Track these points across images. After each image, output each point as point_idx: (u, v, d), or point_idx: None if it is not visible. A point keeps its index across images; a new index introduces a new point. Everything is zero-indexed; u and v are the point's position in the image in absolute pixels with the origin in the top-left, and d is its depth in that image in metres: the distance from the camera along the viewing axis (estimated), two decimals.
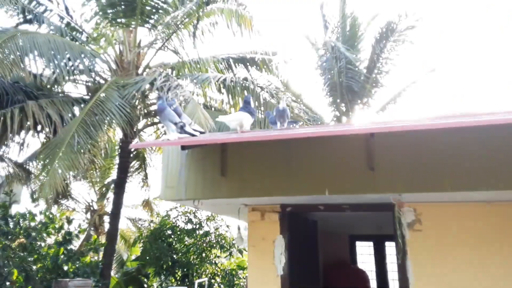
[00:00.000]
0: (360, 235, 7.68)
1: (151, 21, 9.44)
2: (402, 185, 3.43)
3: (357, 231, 7.43)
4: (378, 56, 10.75)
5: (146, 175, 11.82)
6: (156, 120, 10.34)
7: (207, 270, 9.99)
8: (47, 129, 7.47)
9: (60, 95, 8.96)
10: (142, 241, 11.11)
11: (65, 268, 8.11)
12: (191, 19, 9.07)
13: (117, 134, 10.62)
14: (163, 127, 10.56)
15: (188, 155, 3.76)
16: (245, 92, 9.00)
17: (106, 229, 12.64)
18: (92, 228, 12.29)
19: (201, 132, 3.68)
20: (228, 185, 3.72)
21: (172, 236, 10.25)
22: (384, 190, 3.45)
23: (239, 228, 4.94)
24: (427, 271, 3.85)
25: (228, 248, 10.05)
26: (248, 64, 10.52)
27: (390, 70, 11.03)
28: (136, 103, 9.02)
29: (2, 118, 7.11)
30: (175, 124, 3.12)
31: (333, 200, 3.92)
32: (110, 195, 13.06)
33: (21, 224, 8.15)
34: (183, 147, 3.53)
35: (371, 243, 7.93)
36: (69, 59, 8.05)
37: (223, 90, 9.34)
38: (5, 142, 7.90)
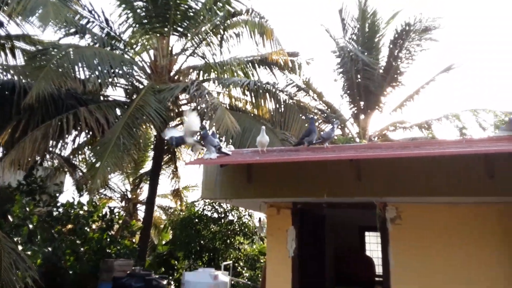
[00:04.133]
0: (369, 226, 9.11)
1: (181, 29, 10.99)
2: (381, 190, 4.90)
3: (365, 223, 8.85)
4: (396, 56, 11.97)
5: (176, 168, 13.60)
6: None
7: (231, 255, 11.72)
8: (96, 131, 9.16)
9: (104, 99, 10.69)
10: (172, 227, 12.95)
11: (108, 250, 9.87)
12: (218, 29, 10.57)
13: (151, 129, 12.33)
14: None
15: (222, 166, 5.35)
16: (267, 94, 10.49)
17: (139, 216, 14.62)
18: (127, 215, 14.21)
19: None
20: (252, 189, 5.29)
21: (200, 224, 12.01)
22: (368, 195, 4.93)
23: (260, 220, 6.50)
24: (405, 256, 5.32)
25: (251, 235, 11.71)
26: (271, 65, 11.96)
27: (407, 69, 12.27)
28: (170, 105, 10.64)
29: (59, 123, 8.86)
30: (215, 146, 4.69)
31: (333, 200, 5.43)
32: (143, 185, 15.02)
33: (70, 212, 9.97)
34: (221, 165, 5.12)
35: (378, 233, 9.37)
36: (111, 67, 9.59)
37: (247, 92, 10.83)
38: (60, 141, 9.68)
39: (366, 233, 9.48)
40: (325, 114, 12.47)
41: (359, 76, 12.14)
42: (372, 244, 9.31)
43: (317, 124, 12.19)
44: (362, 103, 12.58)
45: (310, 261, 6.09)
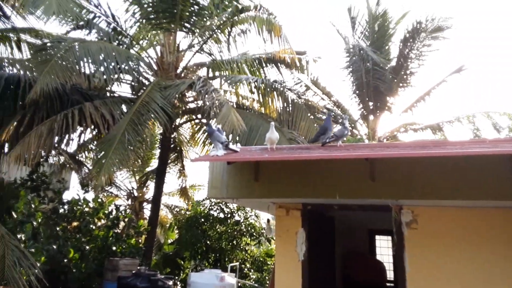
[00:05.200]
0: (379, 230, 8.77)
1: (189, 25, 10.72)
2: (397, 193, 4.56)
3: (376, 225, 8.50)
4: (406, 56, 11.62)
5: (183, 166, 13.33)
6: (193, 116, 11.74)
7: (238, 256, 11.41)
8: (102, 127, 8.90)
9: (109, 94, 10.44)
10: (177, 227, 12.67)
11: (113, 248, 9.62)
12: (225, 25, 10.28)
13: (157, 127, 12.10)
14: (198, 124, 12.02)
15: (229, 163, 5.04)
16: (274, 93, 10.19)
17: (145, 215, 14.36)
18: (133, 214, 13.97)
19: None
20: (260, 188, 4.98)
21: (206, 224, 11.71)
22: (382, 197, 4.59)
23: (268, 221, 6.19)
24: (421, 261, 4.98)
25: (257, 236, 11.38)
26: (278, 63, 11.64)
27: (418, 70, 11.92)
28: (176, 102, 10.37)
29: (65, 118, 8.61)
30: (222, 143, 4.39)
31: (344, 202, 5.10)
32: (149, 183, 14.77)
33: (75, 209, 9.73)
34: (229, 162, 4.82)
35: (389, 237, 9.00)
36: (117, 62, 9.30)
37: (254, 90, 10.53)
38: (65, 137, 9.45)
39: (377, 237, 9.13)
40: (334, 114, 12.15)
41: (368, 76, 11.80)
42: (383, 248, 8.97)
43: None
44: (371, 103, 12.26)
45: (319, 265, 5.77)
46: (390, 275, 8.45)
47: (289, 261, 5.37)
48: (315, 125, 9.81)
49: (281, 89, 10.35)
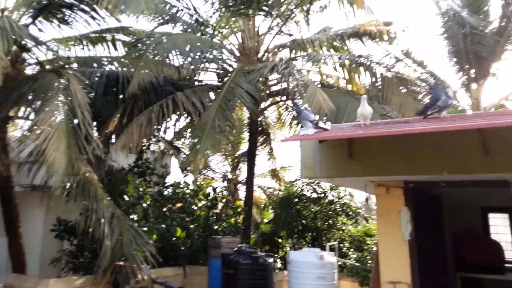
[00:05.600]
0: (493, 207, 7.76)
1: (267, 8, 10.39)
2: None
3: (490, 203, 7.49)
4: (510, 16, 10.08)
5: (271, 148, 13.34)
6: (277, 99, 11.57)
7: (335, 235, 11.11)
8: (193, 114, 9.17)
9: (197, 83, 10.72)
10: (272, 207, 12.76)
11: (215, 227, 9.97)
12: (304, 3, 9.80)
13: (244, 111, 12.19)
14: (283, 105, 11.84)
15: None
16: (361, 68, 9.51)
17: (240, 196, 14.74)
18: (229, 195, 14.41)
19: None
20: (355, 166, 4.62)
21: (300, 204, 11.57)
22: (499, 171, 3.94)
23: (366, 199, 5.80)
24: None
25: (354, 216, 10.93)
26: (362, 37, 10.84)
27: None
28: (260, 86, 10.26)
29: (160, 108, 9.02)
30: (311, 121, 4.12)
31: (453, 178, 4.51)
32: (241, 166, 15.10)
33: (177, 191, 10.24)
34: (320, 141, 4.55)
35: (506, 215, 7.97)
36: (201, 52, 9.38)
37: (338, 68, 9.95)
38: (162, 125, 9.96)
39: (490, 215, 8.11)
40: (429, 85, 11.02)
41: (466, 41, 10.48)
42: (498, 227, 7.96)
43: (420, 96, 10.83)
44: (472, 70, 10.88)
45: (427, 244, 5.25)
46: (508, 255, 7.49)
47: (393, 240, 4.95)
48: (409, 97, 9.01)
49: (368, 63, 9.66)
